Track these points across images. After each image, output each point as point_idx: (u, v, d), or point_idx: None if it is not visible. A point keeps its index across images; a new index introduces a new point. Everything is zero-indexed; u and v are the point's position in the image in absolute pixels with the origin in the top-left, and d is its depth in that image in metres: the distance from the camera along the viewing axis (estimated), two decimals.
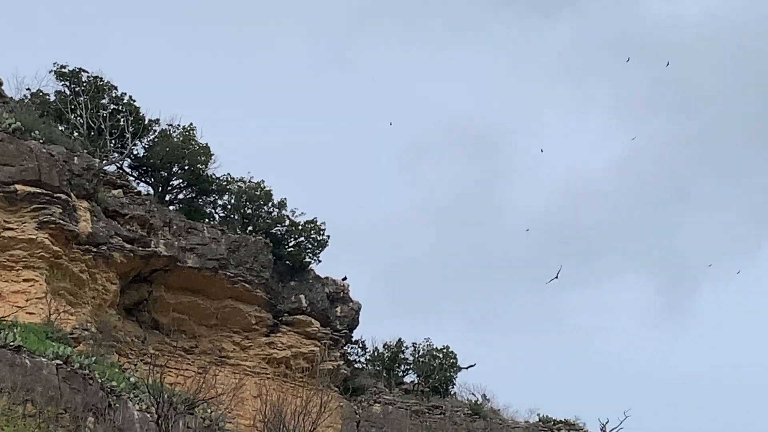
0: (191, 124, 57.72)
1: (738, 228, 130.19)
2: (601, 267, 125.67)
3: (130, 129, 55.59)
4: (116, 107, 56.26)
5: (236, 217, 58.21)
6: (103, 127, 54.87)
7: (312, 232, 59.04)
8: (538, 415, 63.46)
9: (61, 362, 35.59)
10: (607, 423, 63.18)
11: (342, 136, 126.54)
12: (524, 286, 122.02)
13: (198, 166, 57.32)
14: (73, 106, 55.08)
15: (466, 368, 63.46)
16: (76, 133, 53.99)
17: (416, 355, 64.41)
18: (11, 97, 53.18)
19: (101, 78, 56.42)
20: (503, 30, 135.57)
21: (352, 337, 62.30)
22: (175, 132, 57.42)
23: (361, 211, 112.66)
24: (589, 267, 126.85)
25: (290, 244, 58.98)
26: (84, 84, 55.86)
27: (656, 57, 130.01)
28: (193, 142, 57.31)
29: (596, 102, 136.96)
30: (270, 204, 58.91)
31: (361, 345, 64.73)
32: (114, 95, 56.52)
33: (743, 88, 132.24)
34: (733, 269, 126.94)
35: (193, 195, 58.39)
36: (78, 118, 54.88)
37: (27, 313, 43.16)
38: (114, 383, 37.71)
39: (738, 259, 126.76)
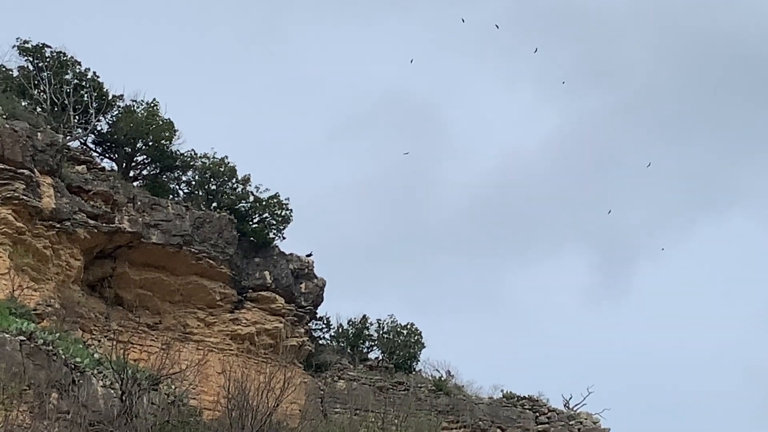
0: (155, 99, 57.60)
1: (674, 201, 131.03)
2: (540, 243, 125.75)
3: (94, 105, 55.36)
4: (79, 83, 55.94)
5: (200, 193, 58.10)
6: (66, 102, 54.60)
7: (276, 207, 58.97)
8: (502, 391, 63.80)
9: (24, 338, 35.52)
10: (570, 399, 63.76)
11: (269, 109, 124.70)
12: (462, 262, 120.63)
13: (162, 142, 57.16)
14: (36, 82, 54.80)
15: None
16: (39, 109, 53.66)
17: (381, 332, 64.59)
18: None
19: (64, 53, 56.10)
20: (432, 2, 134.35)
21: (316, 313, 62.37)
22: (138, 108, 57.20)
23: (289, 186, 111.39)
24: (527, 243, 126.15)
25: (254, 221, 58.92)
26: (47, 59, 55.54)
27: (583, 30, 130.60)
28: (157, 118, 57.12)
29: (525, 76, 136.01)
30: (234, 180, 58.82)
31: (325, 321, 64.87)
32: (77, 71, 56.20)
33: (672, 60, 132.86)
34: (669, 243, 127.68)
35: (158, 171, 58.22)
36: (41, 94, 54.61)
37: None
38: (78, 359, 37.67)
39: (674, 232, 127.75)
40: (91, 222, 49.81)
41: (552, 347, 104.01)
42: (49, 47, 55.90)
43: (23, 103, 52.84)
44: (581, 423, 61.96)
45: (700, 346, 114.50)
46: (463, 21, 67.30)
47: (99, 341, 47.16)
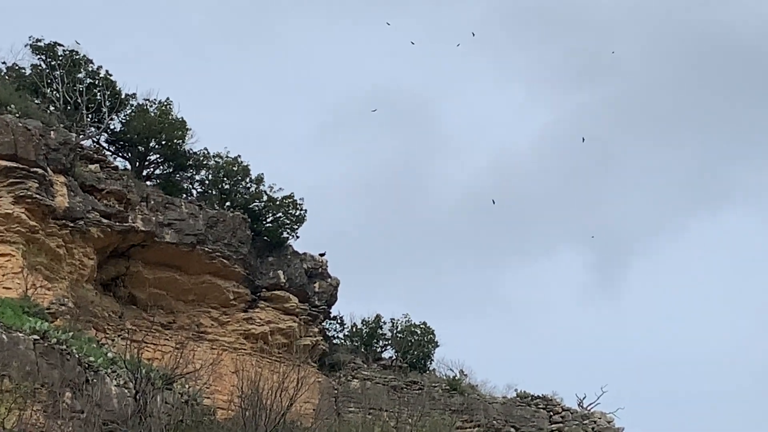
0: (168, 98, 57.59)
1: (668, 199, 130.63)
2: (536, 241, 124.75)
3: (107, 103, 55.31)
4: (92, 81, 55.92)
5: (214, 192, 58.04)
6: (79, 101, 54.56)
7: (290, 207, 58.90)
8: (516, 390, 63.67)
9: (38, 337, 35.41)
10: (584, 398, 63.57)
11: (261, 106, 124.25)
12: (457, 260, 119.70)
13: (175, 141, 57.12)
14: (49, 80, 54.80)
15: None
16: (52, 108, 53.65)
17: (394, 331, 64.45)
18: None
19: (77, 52, 56.08)
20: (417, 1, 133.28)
21: (330, 312, 62.29)
22: (151, 107, 57.14)
23: (282, 183, 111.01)
24: (523, 241, 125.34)
25: (268, 220, 58.86)
26: (60, 58, 55.52)
27: (575, 27, 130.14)
28: (170, 117, 57.06)
29: (517, 74, 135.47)
30: (248, 179, 58.77)
31: (339, 321, 64.76)
32: (90, 69, 56.18)
33: (664, 56, 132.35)
34: (665, 241, 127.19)
35: (171, 170, 58.18)
36: (54, 92, 54.60)
37: (3, 288, 43.02)
38: (91, 358, 37.56)
39: (669, 230, 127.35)
40: (105, 221, 49.77)
41: (550, 346, 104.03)
42: (62, 46, 55.94)
43: (36, 102, 52.82)
44: (595, 422, 61.80)
45: (699, 345, 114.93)
46: (388, 24, 66.24)
47: (113, 340, 47.14)
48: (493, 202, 75.14)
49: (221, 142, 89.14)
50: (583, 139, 79.40)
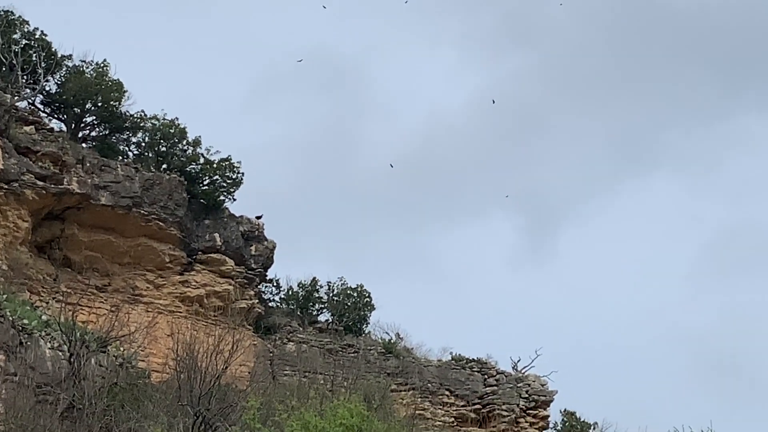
0: (104, 60, 57.17)
1: (598, 164, 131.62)
2: (466, 205, 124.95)
3: (42, 65, 54.85)
4: (28, 42, 55.40)
5: (150, 155, 57.81)
6: (14, 62, 54.03)
7: (227, 170, 58.80)
8: (451, 353, 64.15)
9: None
10: (518, 361, 64.21)
11: (189, 67, 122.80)
12: (388, 223, 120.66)
13: (111, 102, 56.79)
14: None
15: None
16: None
17: (330, 294, 64.63)
18: None
19: (12, 12, 55.51)
20: None
21: (266, 275, 62.32)
22: (88, 68, 56.76)
23: (213, 144, 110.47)
24: (453, 205, 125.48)
25: (205, 183, 58.72)
26: None
27: None
28: (107, 79, 56.71)
29: (448, 37, 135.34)
30: (184, 142, 58.56)
31: (275, 284, 64.81)
32: (26, 30, 55.64)
33: (593, 21, 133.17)
34: (594, 207, 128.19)
35: (107, 132, 57.83)
36: None
37: None
38: (26, 321, 37.62)
39: (599, 195, 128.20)
40: (39, 183, 49.57)
41: (481, 309, 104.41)
42: None
43: None
44: (529, 385, 62.44)
45: (626, 308, 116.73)
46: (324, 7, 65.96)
47: (47, 303, 47.03)
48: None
49: (156, 104, 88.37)
50: (494, 101, 79.61)
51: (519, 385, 62.30)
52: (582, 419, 65.52)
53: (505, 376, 62.94)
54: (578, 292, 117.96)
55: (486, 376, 62.90)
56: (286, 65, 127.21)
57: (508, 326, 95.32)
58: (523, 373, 63.76)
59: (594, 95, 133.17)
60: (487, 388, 62.22)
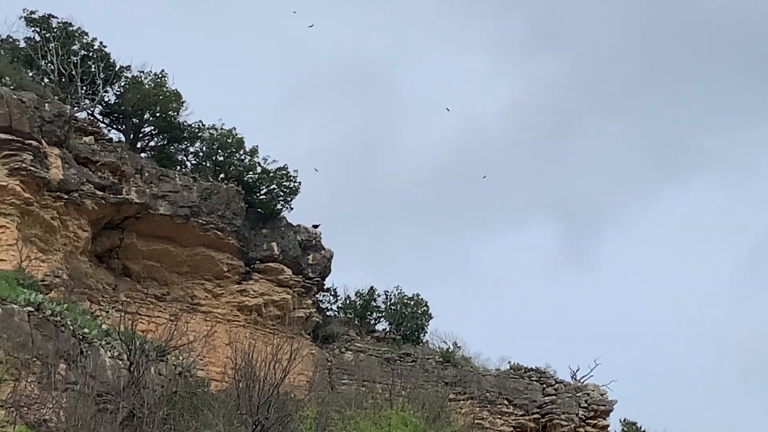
0: (163, 70, 57.53)
1: (638, 169, 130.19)
2: (504, 212, 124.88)
3: (101, 75, 55.26)
4: (87, 53, 55.85)
5: (208, 164, 58.06)
6: (73, 73, 54.50)
7: (283, 179, 58.93)
8: (509, 363, 63.85)
9: (32, 309, 35.63)
10: (577, 371, 63.78)
11: (223, 78, 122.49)
12: (426, 231, 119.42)
13: (169, 113, 57.12)
14: (43, 53, 54.69)
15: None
16: (46, 80, 53.61)
17: (388, 303, 64.58)
18: None
19: (71, 24, 56.00)
20: None
21: (324, 284, 62.35)
22: (146, 79, 57.12)
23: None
24: (490, 212, 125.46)
25: (262, 192, 58.89)
26: (54, 30, 55.43)
27: None
28: (164, 89, 57.05)
29: (480, 43, 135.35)
30: (242, 151, 58.77)
31: (333, 293, 64.86)
32: (84, 41, 56.09)
33: (629, 26, 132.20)
34: (635, 212, 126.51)
35: (165, 142, 58.18)
36: (48, 65, 54.52)
37: None
38: (86, 330, 37.77)
39: (640, 200, 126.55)
40: (99, 193, 49.86)
41: (521, 317, 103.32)
42: (56, 18, 55.85)
43: (31, 75, 52.83)
44: (588, 395, 62.00)
45: (671, 316, 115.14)
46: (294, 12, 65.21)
47: (107, 312, 47.28)
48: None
49: (201, 114, 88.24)
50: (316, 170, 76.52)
51: (578, 394, 61.88)
52: (643, 429, 64.95)
53: (564, 386, 62.55)
54: (621, 300, 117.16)
55: (545, 386, 62.55)
56: (319, 74, 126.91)
57: (551, 334, 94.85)
58: (582, 382, 63.32)
59: (629, 99, 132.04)
60: (546, 398, 61.88)
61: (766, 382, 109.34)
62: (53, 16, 55.77)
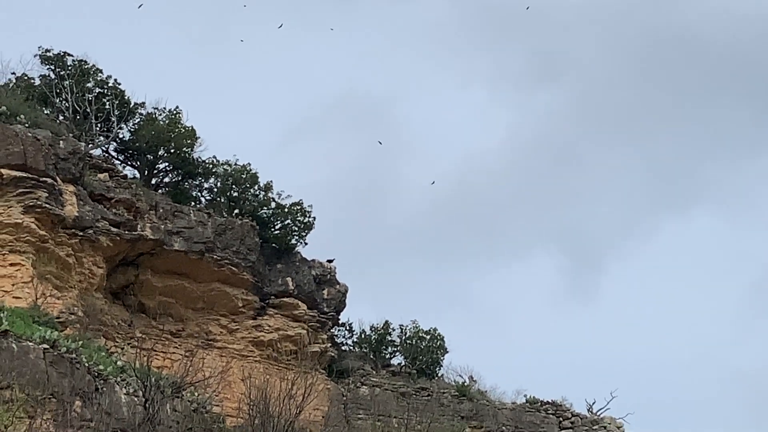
0: (177, 107, 57.72)
1: (639, 200, 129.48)
2: (506, 246, 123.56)
3: (116, 112, 55.51)
4: (102, 91, 56.13)
5: (222, 200, 58.18)
6: (88, 110, 54.78)
7: (298, 214, 59.06)
8: (525, 396, 63.69)
9: (48, 346, 35.67)
10: (593, 404, 63.57)
11: (222, 113, 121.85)
12: (428, 265, 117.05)
13: (184, 149, 57.33)
14: (58, 90, 54.99)
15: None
16: (61, 117, 53.90)
17: (403, 337, 64.48)
18: None
19: (86, 61, 56.32)
20: (371, 3, 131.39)
21: (339, 319, 62.36)
22: (160, 115, 57.37)
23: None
24: (493, 246, 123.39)
25: (276, 227, 58.98)
26: (69, 68, 55.72)
27: (533, 28, 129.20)
28: (179, 125, 57.29)
29: (478, 76, 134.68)
30: (256, 187, 58.91)
31: (348, 327, 64.81)
32: (99, 78, 56.39)
33: (626, 56, 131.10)
34: (637, 243, 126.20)
35: (179, 178, 58.36)
36: (63, 102, 54.81)
37: (13, 297, 43.24)
38: (101, 367, 37.79)
39: (642, 231, 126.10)
40: (114, 230, 49.98)
41: (526, 349, 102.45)
42: (71, 55, 56.14)
43: (45, 112, 53.07)
44: (605, 428, 61.81)
45: (675, 348, 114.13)
46: (332, 29, 64.95)
47: (122, 349, 47.30)
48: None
49: (215, 149, 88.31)
50: None
51: (594, 427, 61.68)
52: None
53: (581, 419, 62.38)
54: (626, 332, 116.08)
55: (561, 419, 62.35)
56: (318, 108, 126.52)
57: (555, 367, 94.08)
58: (599, 415, 63.11)
59: (629, 129, 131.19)
60: (563, 431, 61.65)
61: None
62: (68, 54, 56.12)
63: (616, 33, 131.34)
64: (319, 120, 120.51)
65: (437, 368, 64.34)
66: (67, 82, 55.08)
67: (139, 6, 62.20)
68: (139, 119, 57.10)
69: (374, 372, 61.90)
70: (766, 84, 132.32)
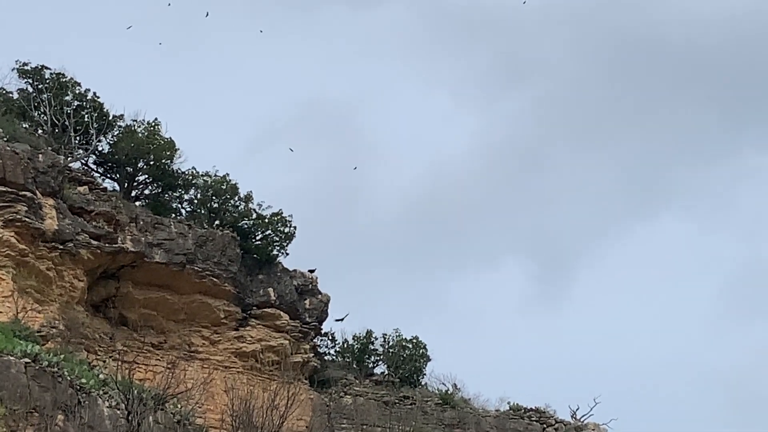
0: (156, 119, 57.68)
1: (606, 204, 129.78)
2: (476, 251, 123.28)
3: (95, 125, 55.36)
4: (80, 103, 56.00)
5: (203, 211, 58.11)
6: (67, 123, 54.63)
7: (279, 224, 59.01)
8: (509, 403, 63.73)
9: (29, 360, 35.52)
10: (577, 410, 63.67)
11: (186, 121, 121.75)
12: (398, 271, 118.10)
13: (163, 161, 57.24)
14: (36, 104, 54.84)
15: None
16: (40, 131, 53.74)
17: (386, 346, 64.48)
18: None
19: (64, 75, 56.19)
20: (333, 11, 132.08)
21: (321, 329, 62.31)
22: (139, 127, 57.27)
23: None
24: (463, 252, 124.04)
25: (257, 238, 58.93)
26: (47, 81, 55.62)
27: (497, 32, 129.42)
28: (158, 137, 57.20)
29: (442, 80, 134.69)
30: (236, 198, 58.86)
31: (330, 337, 64.78)
32: (77, 92, 56.27)
33: (591, 59, 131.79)
34: (606, 248, 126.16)
35: (159, 190, 58.26)
36: (42, 116, 54.67)
37: None
38: (83, 380, 37.67)
39: (610, 235, 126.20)
40: (94, 242, 49.86)
41: (499, 356, 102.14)
42: (49, 69, 56.01)
43: (24, 126, 52.88)
44: None
45: (649, 351, 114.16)
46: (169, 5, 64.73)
47: (104, 362, 47.16)
48: None
49: (194, 160, 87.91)
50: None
51: None
52: None
53: (564, 425, 62.49)
54: (599, 337, 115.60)
55: (545, 425, 62.43)
56: (283, 115, 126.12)
57: (533, 372, 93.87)
58: (582, 421, 63.20)
59: (597, 132, 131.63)
60: None
61: (752, 410, 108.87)
62: (46, 67, 56.00)
63: (582, 35, 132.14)
64: (286, 127, 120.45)
65: (420, 377, 64.35)
66: (46, 96, 54.94)
67: (128, 27, 62.17)
68: (118, 132, 57.00)
69: (357, 381, 61.87)
70: (732, 87, 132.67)
